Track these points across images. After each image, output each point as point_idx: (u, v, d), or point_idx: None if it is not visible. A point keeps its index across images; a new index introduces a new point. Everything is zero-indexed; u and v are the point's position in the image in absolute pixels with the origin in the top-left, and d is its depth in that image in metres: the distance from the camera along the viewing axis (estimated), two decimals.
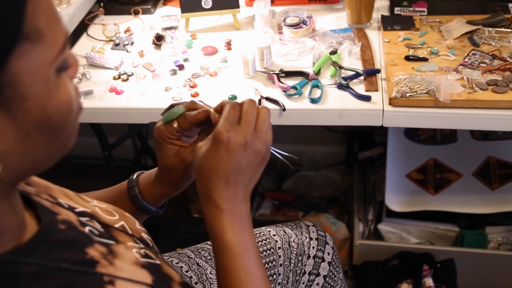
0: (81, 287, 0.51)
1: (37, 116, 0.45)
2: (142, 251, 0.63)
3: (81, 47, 1.40)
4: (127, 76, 1.27)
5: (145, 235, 0.71)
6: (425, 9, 1.38)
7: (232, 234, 0.66)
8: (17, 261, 0.48)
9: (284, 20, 1.35)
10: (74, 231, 0.57)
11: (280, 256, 1.02)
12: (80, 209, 0.63)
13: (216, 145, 0.66)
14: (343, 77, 1.16)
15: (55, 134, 0.48)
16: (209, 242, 1.07)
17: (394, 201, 1.55)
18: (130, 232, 0.67)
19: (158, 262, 0.63)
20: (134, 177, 0.83)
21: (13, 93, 0.43)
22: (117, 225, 0.67)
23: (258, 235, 1.07)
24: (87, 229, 0.60)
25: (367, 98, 1.11)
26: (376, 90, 1.14)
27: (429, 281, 1.42)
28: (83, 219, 0.61)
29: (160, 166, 0.80)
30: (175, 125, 0.76)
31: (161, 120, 0.78)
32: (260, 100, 1.14)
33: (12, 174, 0.47)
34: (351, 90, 1.13)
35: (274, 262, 1.01)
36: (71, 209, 0.62)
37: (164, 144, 0.77)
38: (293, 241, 1.04)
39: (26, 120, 0.45)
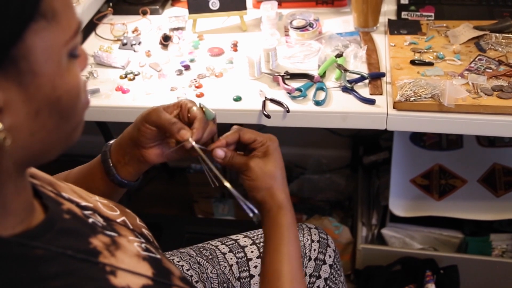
0: (83, 274, 0.52)
1: (47, 93, 0.47)
2: (143, 245, 0.65)
3: (89, 46, 1.41)
4: (133, 75, 1.28)
5: (145, 231, 0.73)
6: (432, 14, 1.37)
7: (295, 228, 0.79)
8: (25, 244, 0.50)
9: (291, 22, 1.35)
10: (78, 221, 0.59)
11: None
12: (83, 203, 0.65)
13: (273, 155, 0.79)
14: (348, 80, 1.16)
15: (63, 117, 0.50)
16: (210, 242, 1.07)
17: (398, 206, 1.54)
18: (131, 227, 0.69)
19: (158, 256, 0.65)
20: (108, 148, 0.82)
21: (27, 67, 0.45)
22: (118, 220, 0.68)
23: (260, 236, 1.07)
24: (90, 220, 0.61)
25: (371, 102, 1.11)
26: (381, 94, 1.14)
27: (432, 287, 1.42)
28: (86, 212, 0.63)
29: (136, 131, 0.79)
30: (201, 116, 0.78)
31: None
32: (264, 102, 1.14)
33: (20, 153, 0.48)
34: (355, 93, 1.13)
35: None
36: (73, 202, 0.63)
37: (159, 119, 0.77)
38: None
39: (37, 96, 0.47)
